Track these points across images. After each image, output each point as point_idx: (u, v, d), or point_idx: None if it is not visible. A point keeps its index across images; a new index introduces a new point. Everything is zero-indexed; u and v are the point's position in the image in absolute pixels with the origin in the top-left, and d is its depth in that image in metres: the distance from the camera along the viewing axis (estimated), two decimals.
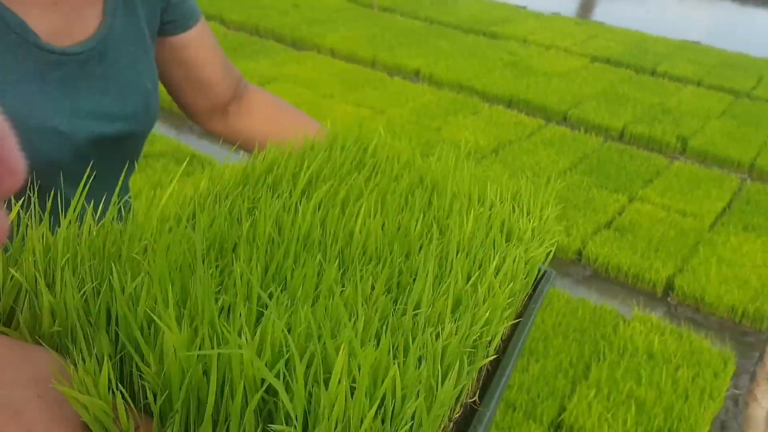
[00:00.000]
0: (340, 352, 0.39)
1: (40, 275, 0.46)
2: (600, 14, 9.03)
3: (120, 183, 0.59)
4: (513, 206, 0.81)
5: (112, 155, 0.77)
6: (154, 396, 0.41)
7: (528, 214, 0.79)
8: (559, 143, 4.00)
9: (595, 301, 2.60)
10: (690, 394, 2.12)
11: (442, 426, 0.47)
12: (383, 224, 0.61)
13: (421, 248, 0.61)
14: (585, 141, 4.10)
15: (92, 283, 0.45)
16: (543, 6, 8.03)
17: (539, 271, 0.72)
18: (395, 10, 6.84)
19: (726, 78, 5.73)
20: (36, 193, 0.57)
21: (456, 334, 0.49)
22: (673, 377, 2.18)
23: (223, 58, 0.93)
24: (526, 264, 0.64)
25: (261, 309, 0.45)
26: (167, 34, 0.86)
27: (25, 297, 0.47)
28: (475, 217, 0.69)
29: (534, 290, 0.70)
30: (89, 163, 0.71)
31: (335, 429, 0.38)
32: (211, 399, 0.39)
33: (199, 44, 0.89)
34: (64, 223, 0.50)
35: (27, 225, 0.50)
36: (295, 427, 0.39)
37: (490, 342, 0.55)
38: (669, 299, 2.78)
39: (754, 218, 3.36)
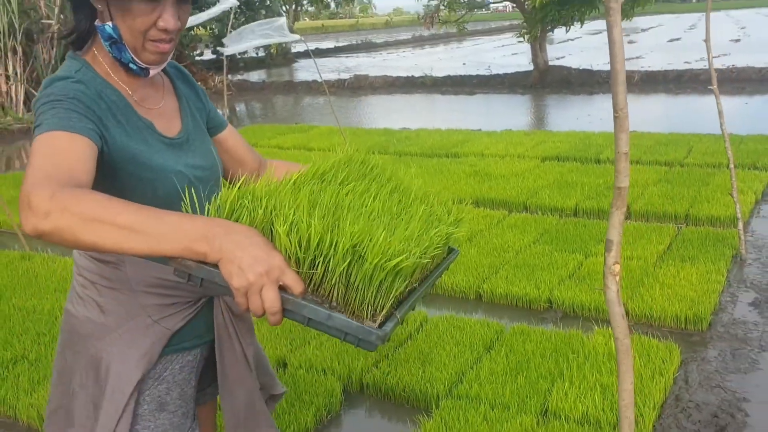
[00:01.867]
0: (381, 236, 1.04)
1: (257, 202, 1.11)
2: (547, 125, 10.14)
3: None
4: (442, 208, 1.52)
5: (207, 186, 1.44)
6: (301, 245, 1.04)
7: (449, 213, 1.49)
8: (522, 225, 4.72)
9: (565, 331, 3.20)
10: (643, 375, 2.70)
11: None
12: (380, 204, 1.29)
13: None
14: (544, 221, 4.84)
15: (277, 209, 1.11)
16: (495, 126, 9.10)
17: (451, 250, 1.41)
18: (367, 151, 7.79)
19: (660, 153, 6.61)
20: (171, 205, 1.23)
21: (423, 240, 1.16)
22: None
23: (246, 143, 1.66)
24: (446, 234, 1.31)
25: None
26: (212, 134, 1.58)
27: (244, 210, 1.11)
28: (423, 210, 1.38)
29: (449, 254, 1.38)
30: (198, 189, 1.39)
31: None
32: (324, 245, 1.03)
33: (232, 137, 1.62)
34: (272, 182, 1.16)
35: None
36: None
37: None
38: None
39: (690, 252, 4.04)
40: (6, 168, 9.34)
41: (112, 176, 1.28)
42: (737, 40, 21.18)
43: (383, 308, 1.02)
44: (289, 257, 1.01)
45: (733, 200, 4.09)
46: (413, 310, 1.19)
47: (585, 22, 13.00)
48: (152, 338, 1.38)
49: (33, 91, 13.08)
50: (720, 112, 3.99)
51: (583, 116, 10.21)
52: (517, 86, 14.09)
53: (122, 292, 1.36)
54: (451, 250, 1.43)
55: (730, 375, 2.90)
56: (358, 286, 0.99)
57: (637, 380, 2.68)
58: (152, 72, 1.36)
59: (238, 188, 1.11)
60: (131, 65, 1.32)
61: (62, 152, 1.12)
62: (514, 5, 13.86)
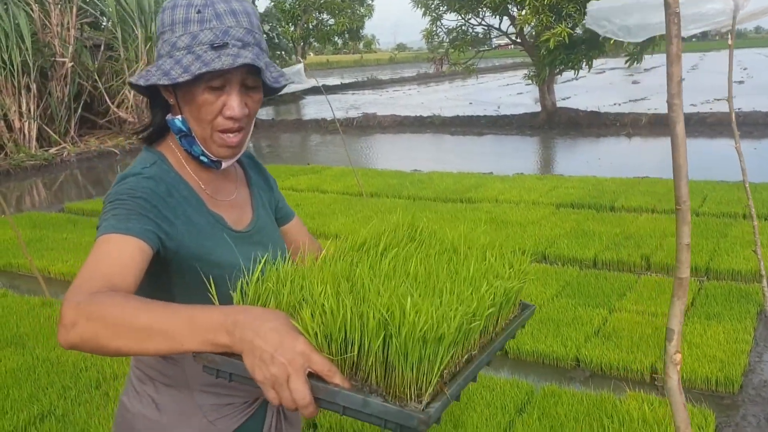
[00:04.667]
0: (408, 304, 0.97)
1: (281, 284, 1.09)
2: (558, 168, 10.19)
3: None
4: (500, 262, 1.45)
5: None
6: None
7: (510, 267, 1.41)
8: (543, 277, 4.72)
9: (596, 393, 3.19)
10: None
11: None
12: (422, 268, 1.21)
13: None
14: (564, 272, 4.84)
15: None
16: (506, 168, 9.15)
17: (526, 306, 1.36)
18: (380, 194, 7.85)
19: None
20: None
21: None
22: None
23: (308, 231, 1.67)
24: (505, 290, 1.20)
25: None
26: (279, 225, 1.59)
27: (270, 294, 1.07)
28: (474, 268, 1.31)
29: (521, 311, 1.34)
30: None
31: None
32: (352, 322, 0.97)
33: (296, 228, 1.63)
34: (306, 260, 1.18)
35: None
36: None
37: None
38: (656, 383, 3.37)
39: (714, 308, 4.03)
40: (17, 206, 9.38)
41: (181, 275, 1.26)
42: (741, 82, 21.41)
43: (430, 385, 0.90)
44: (322, 339, 0.93)
45: (756, 256, 4.10)
46: (474, 381, 1.04)
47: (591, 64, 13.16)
48: None
49: (46, 127, 13.21)
50: (743, 170, 4.02)
51: (592, 160, 10.27)
52: (525, 127, 14.21)
53: (180, 390, 1.33)
54: (526, 307, 1.31)
55: None
56: (395, 364, 0.89)
57: None
58: (224, 165, 1.34)
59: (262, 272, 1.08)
60: (202, 158, 1.31)
61: (107, 257, 1.11)
62: (513, 45, 14.03)
